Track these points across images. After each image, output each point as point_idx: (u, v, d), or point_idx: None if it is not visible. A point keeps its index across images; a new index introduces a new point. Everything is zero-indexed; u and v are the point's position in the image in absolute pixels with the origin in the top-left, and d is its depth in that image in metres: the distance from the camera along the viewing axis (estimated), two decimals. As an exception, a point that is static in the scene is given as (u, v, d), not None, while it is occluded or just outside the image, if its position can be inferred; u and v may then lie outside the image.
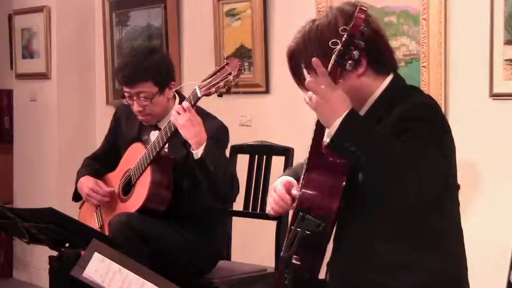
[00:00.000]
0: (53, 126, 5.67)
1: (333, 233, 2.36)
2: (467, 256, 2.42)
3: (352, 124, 2.18)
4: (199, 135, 3.24)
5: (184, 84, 3.60)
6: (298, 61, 2.38)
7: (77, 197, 3.71)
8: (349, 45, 2.18)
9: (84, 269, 2.42)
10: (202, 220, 3.52)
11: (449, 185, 2.34)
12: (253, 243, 4.44)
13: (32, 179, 5.86)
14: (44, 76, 5.69)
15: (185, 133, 3.24)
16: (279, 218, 3.69)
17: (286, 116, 4.46)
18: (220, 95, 3.22)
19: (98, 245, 2.46)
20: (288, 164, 3.70)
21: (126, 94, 3.49)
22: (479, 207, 3.55)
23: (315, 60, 2.19)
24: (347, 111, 2.18)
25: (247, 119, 4.65)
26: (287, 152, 3.73)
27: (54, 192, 5.55)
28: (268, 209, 2.51)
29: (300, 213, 2.21)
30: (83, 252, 2.52)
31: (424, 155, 2.16)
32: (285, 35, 4.46)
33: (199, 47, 4.90)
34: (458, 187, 2.40)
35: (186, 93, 3.46)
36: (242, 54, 4.57)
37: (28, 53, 5.85)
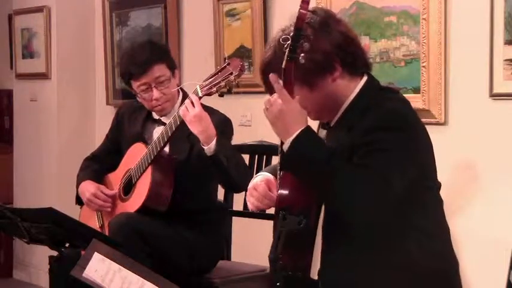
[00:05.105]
0: (53, 126, 5.67)
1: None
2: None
3: (300, 146, 2.21)
4: (208, 130, 3.23)
5: (185, 84, 3.59)
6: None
7: (80, 200, 3.70)
8: (298, 39, 2.21)
9: (84, 269, 2.42)
10: (202, 220, 3.52)
11: (427, 187, 2.34)
12: (253, 243, 4.43)
13: (32, 179, 5.86)
14: (44, 76, 5.69)
15: (194, 128, 3.24)
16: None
17: (286, 116, 4.45)
18: (221, 95, 3.22)
19: (98, 245, 2.46)
20: (288, 164, 3.70)
21: (142, 87, 3.47)
22: (479, 207, 3.55)
23: (271, 76, 2.23)
24: (298, 131, 2.21)
25: (247, 119, 4.64)
26: (287, 152, 3.73)
27: (54, 192, 5.55)
28: (250, 207, 2.54)
29: (280, 213, 2.25)
30: (83, 252, 2.53)
31: (380, 176, 2.17)
32: (285, 35, 4.47)
33: (199, 47, 4.90)
34: (439, 186, 2.41)
35: (188, 92, 3.47)
36: (242, 54, 4.57)
37: (28, 53, 5.86)
